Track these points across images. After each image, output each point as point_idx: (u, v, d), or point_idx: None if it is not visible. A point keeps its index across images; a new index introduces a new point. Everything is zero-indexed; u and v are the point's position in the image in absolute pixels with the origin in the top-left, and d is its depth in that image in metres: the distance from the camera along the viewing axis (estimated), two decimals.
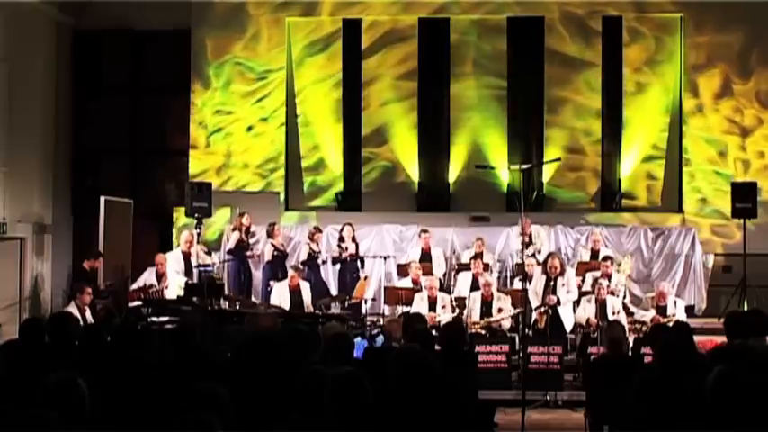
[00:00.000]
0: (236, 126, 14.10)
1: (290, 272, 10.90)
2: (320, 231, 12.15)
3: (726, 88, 13.76)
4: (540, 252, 11.57)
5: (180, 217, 13.34)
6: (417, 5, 14.04)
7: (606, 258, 11.05)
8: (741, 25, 13.63)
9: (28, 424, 3.20)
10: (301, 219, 13.75)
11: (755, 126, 13.72)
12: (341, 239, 11.97)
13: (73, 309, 9.01)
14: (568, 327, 10.21)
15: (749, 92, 13.75)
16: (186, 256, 11.69)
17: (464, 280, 11.08)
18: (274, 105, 14.11)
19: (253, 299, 11.75)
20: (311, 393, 3.93)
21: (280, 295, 10.67)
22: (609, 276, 10.61)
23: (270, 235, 12.07)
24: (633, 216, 13.65)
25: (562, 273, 10.38)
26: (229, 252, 12.01)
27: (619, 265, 11.36)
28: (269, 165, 14.07)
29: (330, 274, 12.25)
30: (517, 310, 10.07)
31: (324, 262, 12.00)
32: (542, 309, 10.14)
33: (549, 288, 10.24)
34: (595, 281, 10.44)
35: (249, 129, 14.07)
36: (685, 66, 13.80)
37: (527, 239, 11.02)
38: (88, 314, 9.27)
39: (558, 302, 10.18)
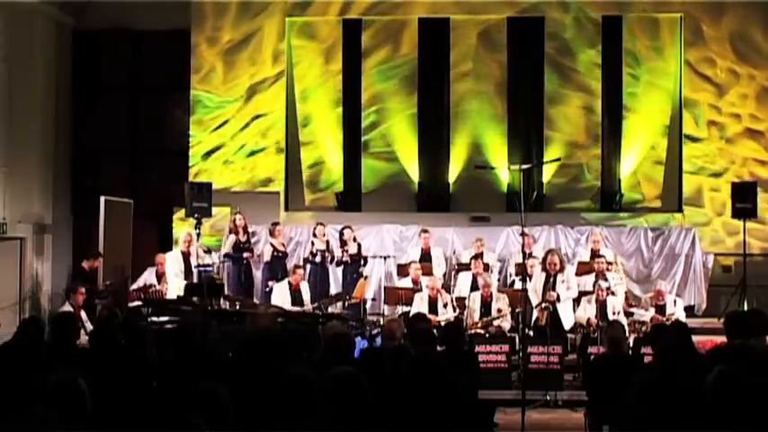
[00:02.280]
0: (226, 130, 14.08)
1: (297, 273, 10.83)
2: (322, 225, 12.12)
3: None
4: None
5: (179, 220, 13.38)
6: (417, 5, 14.06)
7: (600, 257, 11.05)
8: None
9: (29, 423, 3.20)
10: (301, 219, 13.73)
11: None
12: (343, 243, 11.93)
13: (68, 308, 9.00)
14: (567, 325, 10.20)
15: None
16: (186, 256, 11.68)
17: (464, 280, 11.06)
18: (268, 107, 14.07)
19: (255, 299, 11.74)
20: (305, 394, 3.92)
21: (280, 295, 10.66)
22: (603, 274, 10.59)
23: (271, 234, 12.06)
24: (633, 216, 13.64)
25: (561, 269, 10.36)
26: (226, 256, 11.98)
27: (614, 263, 11.36)
28: (268, 165, 14.09)
29: (331, 274, 12.23)
30: (517, 311, 10.06)
31: (322, 262, 11.92)
32: (543, 305, 10.11)
33: (549, 285, 10.23)
34: (596, 281, 10.44)
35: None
36: (685, 63, 13.78)
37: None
38: (83, 314, 9.26)
39: (559, 299, 10.16)
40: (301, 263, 11.70)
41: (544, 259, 10.48)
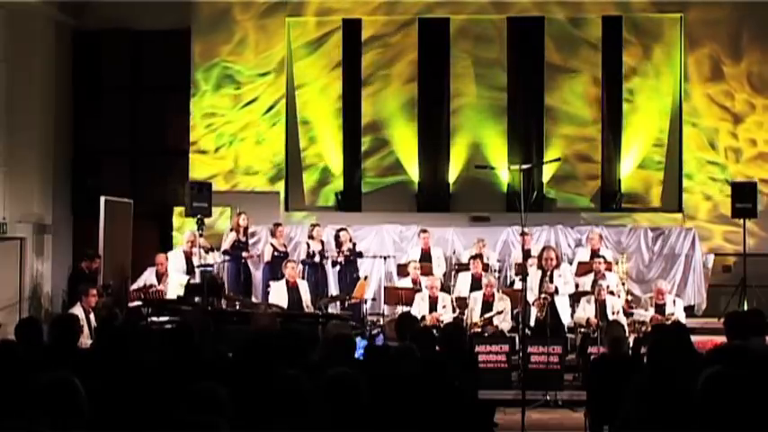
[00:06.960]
0: (227, 128, 14.07)
1: (289, 267, 10.80)
2: (318, 225, 12.11)
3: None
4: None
5: (179, 218, 13.38)
6: (419, 5, 14.05)
7: (599, 257, 11.02)
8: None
9: (18, 426, 3.19)
10: (301, 219, 13.73)
11: (747, 112, 13.57)
12: (339, 245, 11.90)
13: (78, 311, 8.98)
14: (566, 319, 10.18)
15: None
16: (188, 255, 11.69)
17: (464, 280, 11.07)
18: (268, 106, 14.07)
19: (253, 299, 11.74)
20: (296, 395, 3.91)
21: (278, 294, 10.65)
22: (602, 274, 10.57)
23: (272, 234, 12.06)
24: (633, 216, 13.63)
25: (557, 265, 10.32)
26: (225, 253, 11.98)
27: (616, 263, 11.35)
28: (269, 165, 14.08)
29: (330, 275, 12.23)
30: (516, 311, 10.06)
31: (320, 262, 11.89)
32: (542, 297, 9.98)
33: (546, 281, 10.18)
34: (595, 281, 10.43)
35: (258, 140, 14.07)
36: (684, 62, 13.77)
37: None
38: (92, 316, 9.25)
39: (557, 291, 10.10)
40: (299, 263, 11.70)
41: (540, 255, 10.43)
